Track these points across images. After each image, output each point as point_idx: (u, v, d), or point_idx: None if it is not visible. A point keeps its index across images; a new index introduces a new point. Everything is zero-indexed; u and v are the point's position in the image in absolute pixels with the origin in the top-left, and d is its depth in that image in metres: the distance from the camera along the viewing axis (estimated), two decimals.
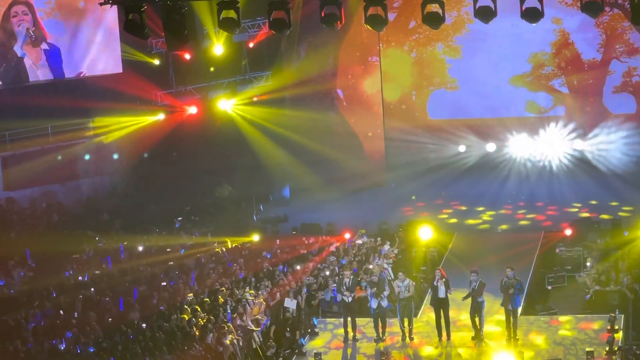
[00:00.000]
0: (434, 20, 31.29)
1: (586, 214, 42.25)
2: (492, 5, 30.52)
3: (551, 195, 46.12)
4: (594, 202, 44.37)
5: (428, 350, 33.06)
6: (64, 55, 45.30)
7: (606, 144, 48.46)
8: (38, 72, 45.11)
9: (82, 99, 44.37)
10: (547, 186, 47.25)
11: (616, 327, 32.81)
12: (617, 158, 48.08)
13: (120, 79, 44.93)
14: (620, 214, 40.86)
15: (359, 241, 40.32)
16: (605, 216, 41.58)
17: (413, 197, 45.35)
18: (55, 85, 44.91)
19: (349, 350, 33.13)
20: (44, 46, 44.81)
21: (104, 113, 44.82)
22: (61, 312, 32.04)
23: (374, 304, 33.35)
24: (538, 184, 47.53)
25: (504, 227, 43.00)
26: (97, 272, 35.47)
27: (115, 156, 45.62)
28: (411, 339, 33.47)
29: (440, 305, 33.15)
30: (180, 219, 41.39)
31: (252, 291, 34.85)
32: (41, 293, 33.10)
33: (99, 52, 45.56)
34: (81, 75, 45.34)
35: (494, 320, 33.61)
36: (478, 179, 48.32)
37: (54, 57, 44.88)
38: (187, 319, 32.60)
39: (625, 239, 38.15)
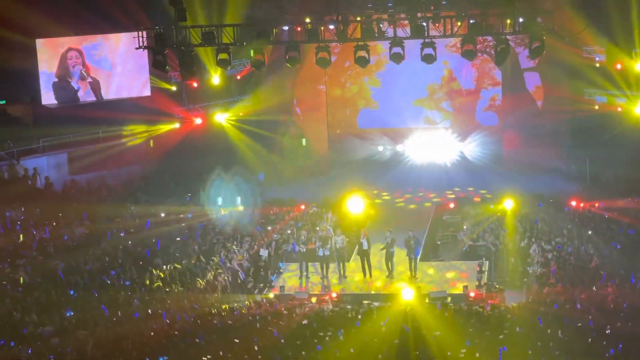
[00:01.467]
0: (362, 62, 31.55)
1: (464, 194, 42.40)
2: (401, 52, 30.84)
3: (441, 181, 46.10)
4: (470, 189, 44.44)
5: (356, 284, 33.23)
6: (109, 83, 45.48)
7: (478, 146, 48.64)
8: (85, 95, 45.36)
9: (122, 113, 44.49)
10: (439, 175, 47.22)
11: (483, 270, 33.09)
12: (484, 156, 48.23)
13: (149, 99, 45.03)
14: (488, 196, 40.96)
15: (311, 211, 40.45)
16: (478, 198, 41.71)
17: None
18: (100, 104, 45.05)
19: (304, 284, 33.28)
20: (89, 79, 45.01)
21: (137, 122, 44.82)
22: (106, 258, 32.14)
23: (320, 252, 33.54)
24: (433, 174, 47.44)
25: (401, 204, 42.89)
26: (132, 230, 35.39)
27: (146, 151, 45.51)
28: (345, 276, 33.64)
29: (364, 254, 33.35)
30: (189, 195, 41.26)
31: (237, 243, 35.00)
32: (94, 244, 33.12)
33: (135, 81, 45.60)
34: (122, 97, 45.44)
35: (401, 264, 33.77)
36: (392, 170, 48.28)
37: (95, 87, 45.23)
38: (193, 262, 32.71)
39: (491, 211, 38.34)
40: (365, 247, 33.27)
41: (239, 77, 48.43)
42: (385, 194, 43.85)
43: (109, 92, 45.39)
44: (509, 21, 30.26)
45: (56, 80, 44.49)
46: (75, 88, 44.99)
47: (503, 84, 47.98)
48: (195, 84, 46.35)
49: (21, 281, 28.79)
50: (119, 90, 45.49)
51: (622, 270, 29.11)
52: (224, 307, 29.22)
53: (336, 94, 50.04)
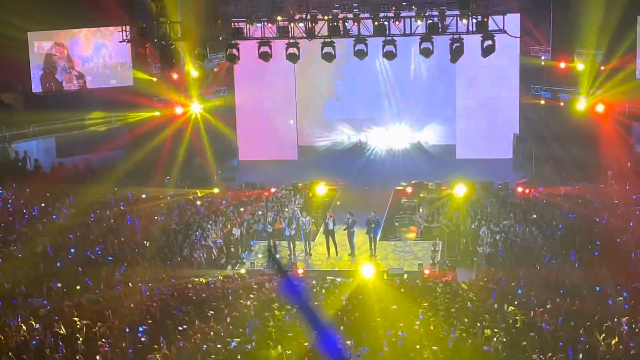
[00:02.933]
0: (329, 57, 31.57)
1: (419, 180, 42.41)
2: (364, 49, 30.87)
3: (400, 168, 46.06)
4: (428, 173, 44.35)
5: (321, 261, 33.29)
6: (93, 74, 45.52)
7: (433, 137, 48.65)
8: (70, 85, 45.45)
9: (105, 102, 44.57)
10: (397, 163, 47.20)
11: (437, 249, 33.30)
12: (439, 146, 48.29)
13: (131, 89, 44.97)
14: (442, 182, 40.99)
15: (280, 193, 40.45)
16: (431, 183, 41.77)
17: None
18: (85, 94, 45.15)
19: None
20: (75, 72, 45.04)
21: (121, 109, 44.78)
22: (90, 232, 32.03)
23: (287, 232, 33.55)
24: (392, 162, 47.43)
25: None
26: (115, 209, 35.30)
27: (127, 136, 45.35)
28: (310, 254, 33.72)
29: (330, 234, 33.42)
30: (168, 177, 41.14)
31: (212, 222, 34.95)
32: (79, 222, 33.01)
33: (118, 72, 45.62)
34: (105, 86, 45.50)
35: (363, 243, 33.83)
36: (354, 158, 48.09)
37: (79, 78, 45.38)
38: (171, 240, 32.66)
39: (444, 196, 38.55)
40: (330, 227, 33.35)
41: (216, 70, 48.29)
42: (347, 179, 43.62)
43: (93, 83, 45.45)
44: (464, 21, 30.37)
45: (42, 72, 44.73)
46: (59, 80, 45.14)
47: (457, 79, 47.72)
48: (175, 76, 46.17)
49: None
50: (103, 80, 45.48)
51: (564, 251, 29.32)
52: (199, 281, 29.22)
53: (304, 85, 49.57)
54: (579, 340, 19.78)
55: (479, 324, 22.20)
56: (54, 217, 33.46)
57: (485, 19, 30.25)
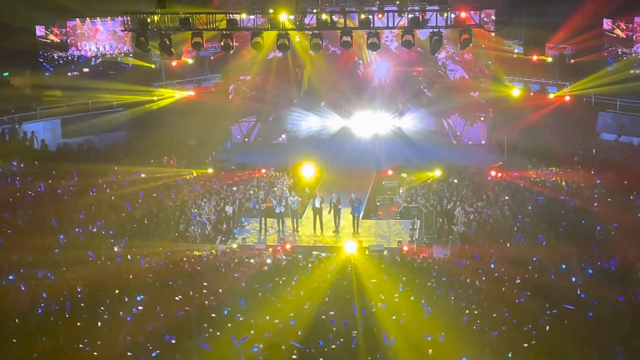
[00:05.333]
0: (317, 48, 31.35)
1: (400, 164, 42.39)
2: (350, 40, 30.73)
3: (381, 152, 45.92)
4: (408, 157, 44.17)
5: (308, 238, 33.23)
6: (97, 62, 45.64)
7: (414, 123, 48.36)
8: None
9: (109, 85, 44.55)
10: (379, 147, 47.01)
11: (415, 227, 33.32)
12: (419, 131, 48.04)
13: (131, 75, 44.93)
14: (421, 165, 40.95)
15: (270, 174, 40.42)
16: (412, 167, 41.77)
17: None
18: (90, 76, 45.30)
19: (262, 237, 33.27)
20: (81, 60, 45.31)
21: (122, 93, 44.63)
22: (92, 208, 31.96)
23: (277, 210, 33.52)
24: (374, 146, 47.22)
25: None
26: (115, 187, 35.22)
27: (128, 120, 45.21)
28: (297, 231, 33.69)
29: (317, 212, 33.38)
30: (166, 158, 41.01)
31: (206, 200, 34.91)
32: (82, 198, 32.94)
33: (120, 60, 45.63)
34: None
35: (346, 221, 33.85)
36: (340, 142, 47.74)
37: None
38: (167, 216, 32.64)
39: (423, 177, 38.55)
40: (317, 205, 33.33)
41: (212, 58, 48.12)
42: (333, 160, 43.40)
43: (96, 69, 45.52)
44: (445, 15, 30.30)
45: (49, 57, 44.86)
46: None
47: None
48: (173, 63, 46.04)
49: None
50: (105, 66, 45.49)
51: (532, 230, 29.45)
52: (193, 254, 29.20)
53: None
54: (544, 312, 19.94)
55: (452, 296, 22.33)
56: (59, 192, 33.36)
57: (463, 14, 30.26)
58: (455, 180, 37.53)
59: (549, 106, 42.88)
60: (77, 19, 45.30)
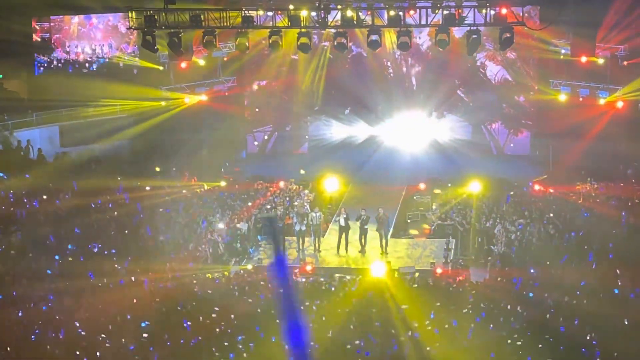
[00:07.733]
0: (342, 48, 31.38)
1: (434, 176, 42.26)
2: (378, 39, 30.72)
3: (412, 164, 45.61)
4: (442, 169, 43.95)
5: (330, 258, 33.28)
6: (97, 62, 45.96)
7: (448, 132, 48.03)
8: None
9: (111, 88, 44.73)
10: (410, 158, 46.76)
11: (450, 247, 33.23)
12: (454, 141, 47.85)
13: (137, 77, 45.11)
14: (456, 178, 40.78)
15: (289, 187, 40.40)
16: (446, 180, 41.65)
17: (302, 172, 43.72)
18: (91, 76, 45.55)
19: None
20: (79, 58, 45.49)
21: (126, 98, 44.79)
22: (94, 225, 32.06)
23: (297, 227, 33.54)
24: (404, 157, 46.96)
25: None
26: (119, 201, 35.28)
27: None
28: (319, 251, 33.69)
29: (343, 230, 33.38)
30: (174, 169, 41.13)
31: (218, 216, 34.97)
32: (82, 214, 33.03)
33: (125, 61, 45.86)
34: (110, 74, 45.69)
35: (374, 241, 33.78)
36: (365, 152, 47.53)
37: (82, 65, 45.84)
38: (175, 234, 32.71)
39: (458, 192, 38.42)
40: (343, 223, 33.28)
41: (225, 59, 48.18)
42: (358, 172, 43.31)
43: (98, 71, 45.72)
44: (484, 12, 30.14)
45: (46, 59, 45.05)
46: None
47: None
48: (183, 64, 46.12)
49: None
50: (109, 69, 45.65)
51: (580, 251, 29.30)
52: (204, 276, 29.24)
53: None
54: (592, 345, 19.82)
55: (491, 326, 22.22)
56: (57, 202, 33.49)
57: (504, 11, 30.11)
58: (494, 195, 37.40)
59: (600, 113, 42.63)
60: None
